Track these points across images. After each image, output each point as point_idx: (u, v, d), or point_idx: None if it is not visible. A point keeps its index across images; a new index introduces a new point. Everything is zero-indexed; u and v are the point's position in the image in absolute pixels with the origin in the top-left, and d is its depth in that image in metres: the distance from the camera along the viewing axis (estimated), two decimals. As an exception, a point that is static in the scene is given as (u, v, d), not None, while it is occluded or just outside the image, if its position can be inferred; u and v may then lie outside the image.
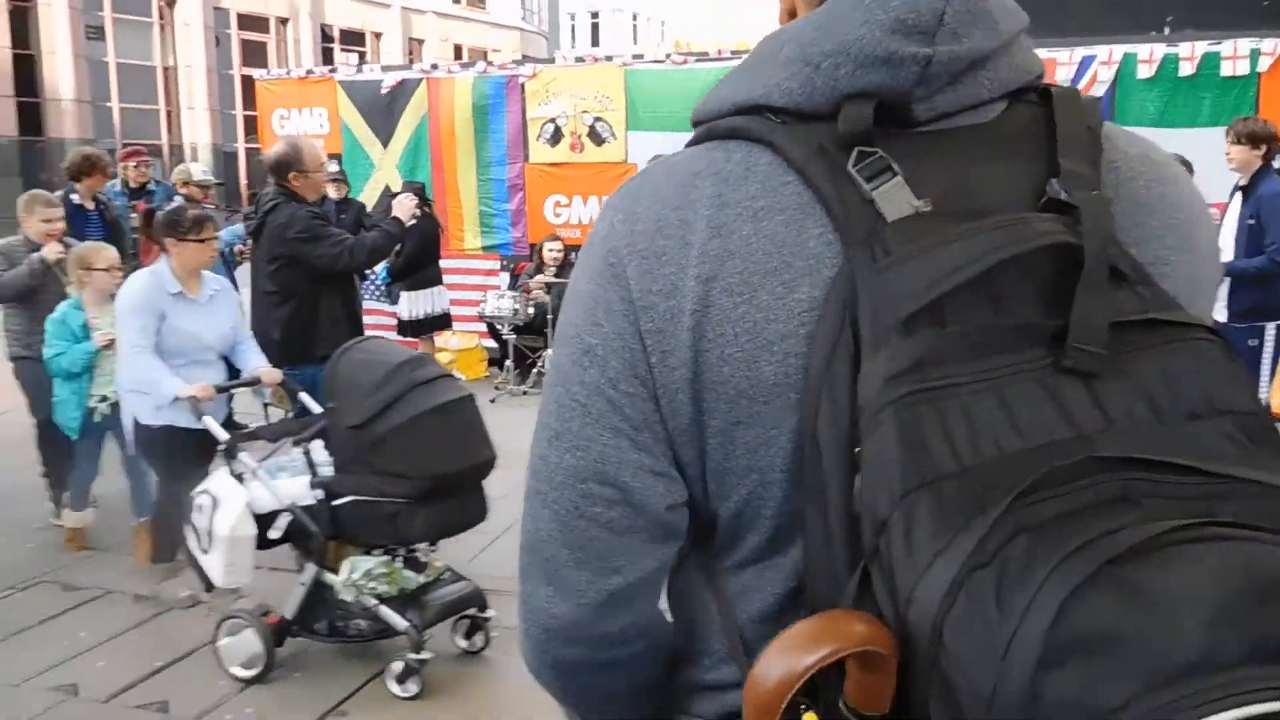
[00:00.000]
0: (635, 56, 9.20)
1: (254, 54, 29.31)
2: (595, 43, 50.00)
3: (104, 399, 4.81)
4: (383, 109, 9.92)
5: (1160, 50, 7.68)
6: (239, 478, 3.82)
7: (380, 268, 8.62)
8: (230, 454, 3.87)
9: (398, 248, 8.34)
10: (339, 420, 3.70)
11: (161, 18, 28.33)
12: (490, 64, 9.71)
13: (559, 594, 0.87)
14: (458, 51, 35.08)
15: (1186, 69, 7.63)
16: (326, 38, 32.33)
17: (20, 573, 4.79)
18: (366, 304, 8.62)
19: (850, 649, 0.63)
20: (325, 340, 4.88)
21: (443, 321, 8.80)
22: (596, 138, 9.30)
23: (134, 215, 7.67)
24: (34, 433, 5.40)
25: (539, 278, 8.83)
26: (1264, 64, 7.49)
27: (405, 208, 5.41)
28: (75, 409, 4.78)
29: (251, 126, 25.20)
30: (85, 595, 4.57)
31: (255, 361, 4.55)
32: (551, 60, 9.71)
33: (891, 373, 0.70)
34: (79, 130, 24.85)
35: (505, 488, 3.33)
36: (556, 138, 9.42)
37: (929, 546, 0.63)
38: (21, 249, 5.29)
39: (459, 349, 9.24)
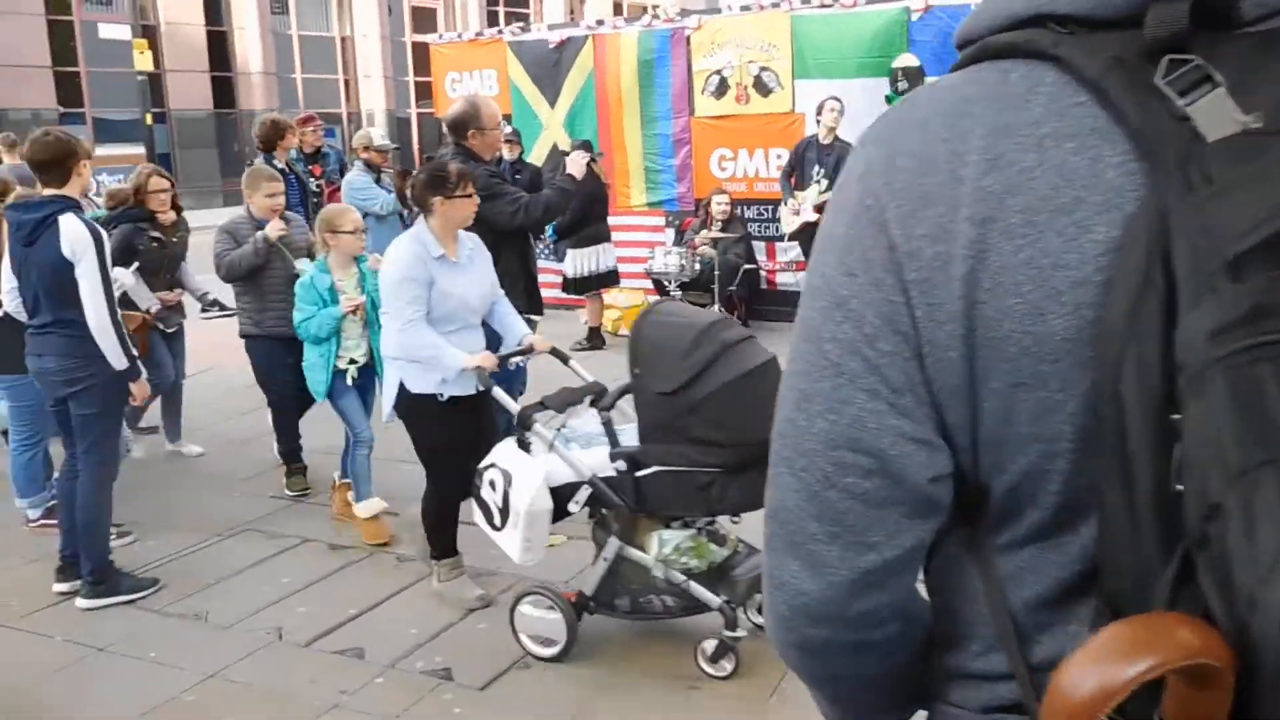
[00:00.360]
0: (803, 1, 8.91)
1: (423, 21, 30.08)
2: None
3: (352, 362, 4.80)
4: (549, 68, 10.00)
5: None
6: (525, 447, 3.67)
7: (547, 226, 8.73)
8: (525, 424, 3.69)
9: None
10: (647, 386, 3.43)
11: (337, -11, 29.41)
12: (656, 17, 9.60)
13: (807, 570, 0.81)
14: (618, 8, 35.05)
15: None
16: (493, 1, 32.89)
17: (229, 521, 5.11)
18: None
19: (1178, 662, 0.54)
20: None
21: (609, 279, 8.83)
22: (763, 88, 9.10)
23: (311, 179, 8.01)
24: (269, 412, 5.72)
25: (705, 233, 8.75)
26: None
27: (578, 164, 5.40)
28: (322, 372, 4.74)
29: (422, 92, 25.97)
30: (286, 543, 4.84)
31: (515, 325, 4.36)
32: (717, 10, 9.53)
33: (1219, 324, 0.59)
34: (267, 101, 26.16)
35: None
36: (722, 89, 9.27)
37: (1278, 537, 0.53)
38: (246, 225, 5.29)
39: (626, 305, 9.28)
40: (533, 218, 5.05)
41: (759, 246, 9.29)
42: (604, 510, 3.67)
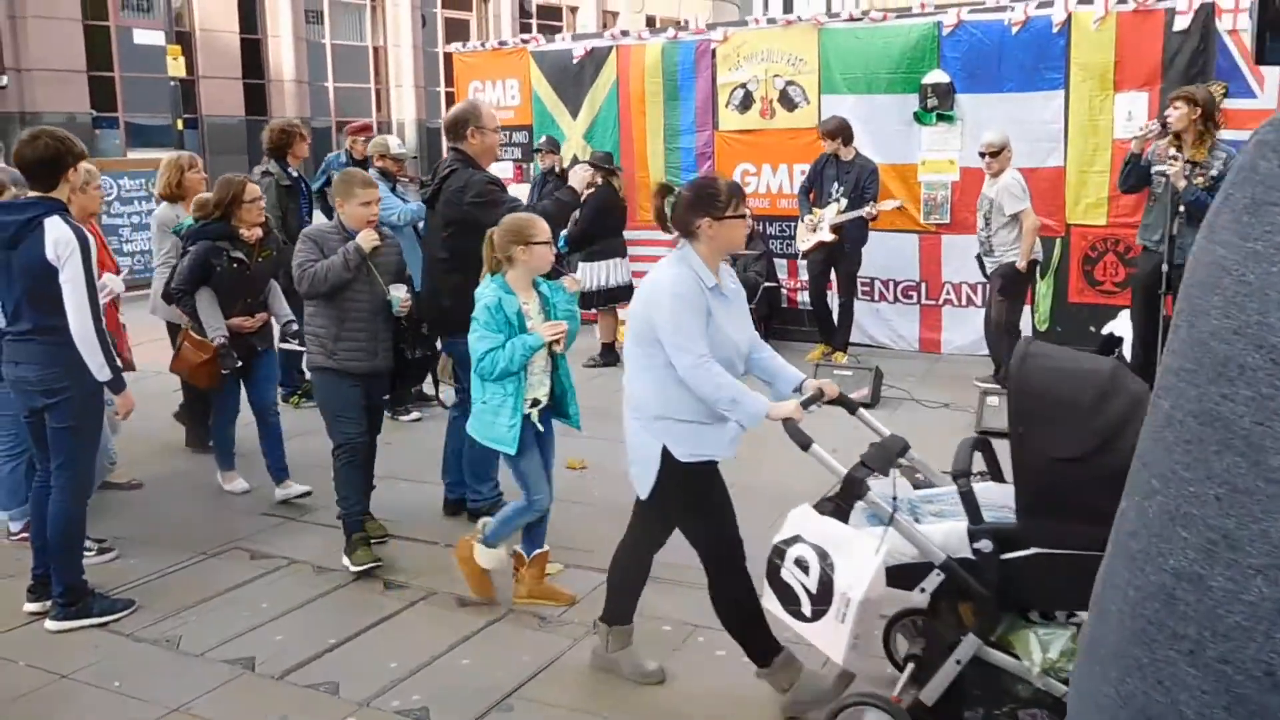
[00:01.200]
0: (830, 15, 8.70)
1: (456, 31, 30.13)
2: (788, 9, 48.82)
3: (535, 403, 4.11)
4: (573, 79, 9.85)
5: None
6: (839, 515, 3.00)
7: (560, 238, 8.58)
8: (857, 493, 3.01)
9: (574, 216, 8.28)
10: (1035, 448, 2.76)
11: (373, 1, 29.54)
12: (682, 29, 9.42)
13: None
14: (650, 22, 35.00)
15: None
16: (525, 13, 32.93)
17: (216, 538, 4.94)
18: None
19: None
20: None
21: (622, 294, 8.64)
22: (788, 102, 8.88)
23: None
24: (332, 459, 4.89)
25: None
26: None
27: (581, 177, 5.25)
28: (510, 416, 3.92)
29: (454, 102, 25.96)
30: (271, 565, 4.66)
31: (786, 369, 3.58)
32: (743, 23, 9.35)
33: None
34: (298, 109, 26.28)
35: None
36: (747, 104, 9.07)
37: None
38: (335, 235, 4.62)
39: (644, 322, 9.06)
40: None
41: (780, 264, 9.07)
42: (944, 599, 3.00)
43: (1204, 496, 0.61)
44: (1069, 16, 7.62)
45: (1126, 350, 7.55)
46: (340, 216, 4.68)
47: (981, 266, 7.31)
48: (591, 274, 8.45)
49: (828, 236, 7.94)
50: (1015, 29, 7.82)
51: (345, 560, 4.47)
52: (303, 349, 5.02)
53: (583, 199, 8.11)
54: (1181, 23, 7.28)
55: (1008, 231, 6.93)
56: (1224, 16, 7.17)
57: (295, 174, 7.25)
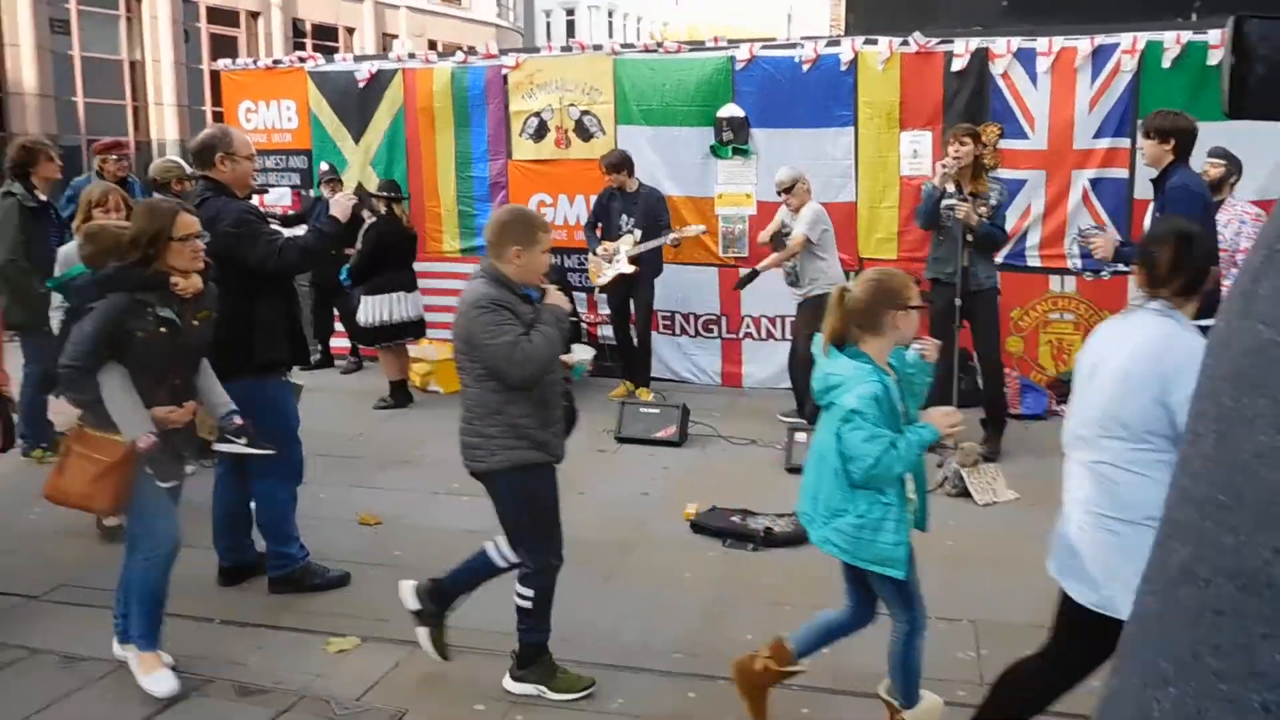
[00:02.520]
0: (624, 45, 8.60)
1: (223, 48, 28.43)
2: (571, 39, 49.31)
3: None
4: (356, 102, 9.30)
5: (1187, 37, 7.17)
6: None
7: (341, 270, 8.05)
8: None
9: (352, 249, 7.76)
10: None
11: (129, 11, 27.47)
12: (470, 54, 9.08)
13: None
14: (431, 46, 34.35)
15: (1215, 57, 7.12)
16: (298, 32, 31.51)
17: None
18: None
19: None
20: (264, 349, 4.40)
21: (411, 329, 8.13)
22: (584, 132, 8.70)
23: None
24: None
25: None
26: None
27: (342, 206, 4.80)
28: (897, 531, 3.07)
29: (221, 121, 24.39)
30: (8, 657, 3.93)
31: None
32: (536, 50, 9.10)
33: None
34: (42, 125, 23.95)
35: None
36: (541, 132, 8.82)
37: None
38: (513, 297, 3.48)
39: (438, 359, 8.61)
40: (286, 261, 4.47)
41: (580, 298, 8.84)
42: None
43: (1244, 702, 0.40)
44: (856, 56, 7.82)
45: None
46: (505, 269, 3.52)
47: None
48: (374, 308, 7.92)
49: (627, 268, 7.78)
50: (806, 66, 7.95)
51: (549, 693, 3.65)
52: (249, 450, 4.04)
53: (364, 229, 7.63)
54: (959, 64, 7.61)
55: (812, 263, 6.96)
56: (996, 61, 7.54)
57: (42, 197, 6.41)
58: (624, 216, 7.89)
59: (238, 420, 4.00)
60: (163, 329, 3.62)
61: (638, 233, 7.82)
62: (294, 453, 4.66)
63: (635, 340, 8.12)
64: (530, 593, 3.62)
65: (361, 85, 9.19)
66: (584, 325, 8.83)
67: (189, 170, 6.87)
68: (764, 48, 8.12)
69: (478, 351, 3.42)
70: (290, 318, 4.65)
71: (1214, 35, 7.10)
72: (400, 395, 8.06)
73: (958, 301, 6.31)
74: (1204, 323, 5.17)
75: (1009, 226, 7.03)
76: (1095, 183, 7.48)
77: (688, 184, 8.26)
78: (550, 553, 3.66)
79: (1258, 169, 6.75)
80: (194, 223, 3.76)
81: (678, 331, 8.66)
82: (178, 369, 3.77)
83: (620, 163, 7.78)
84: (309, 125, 9.50)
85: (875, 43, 7.78)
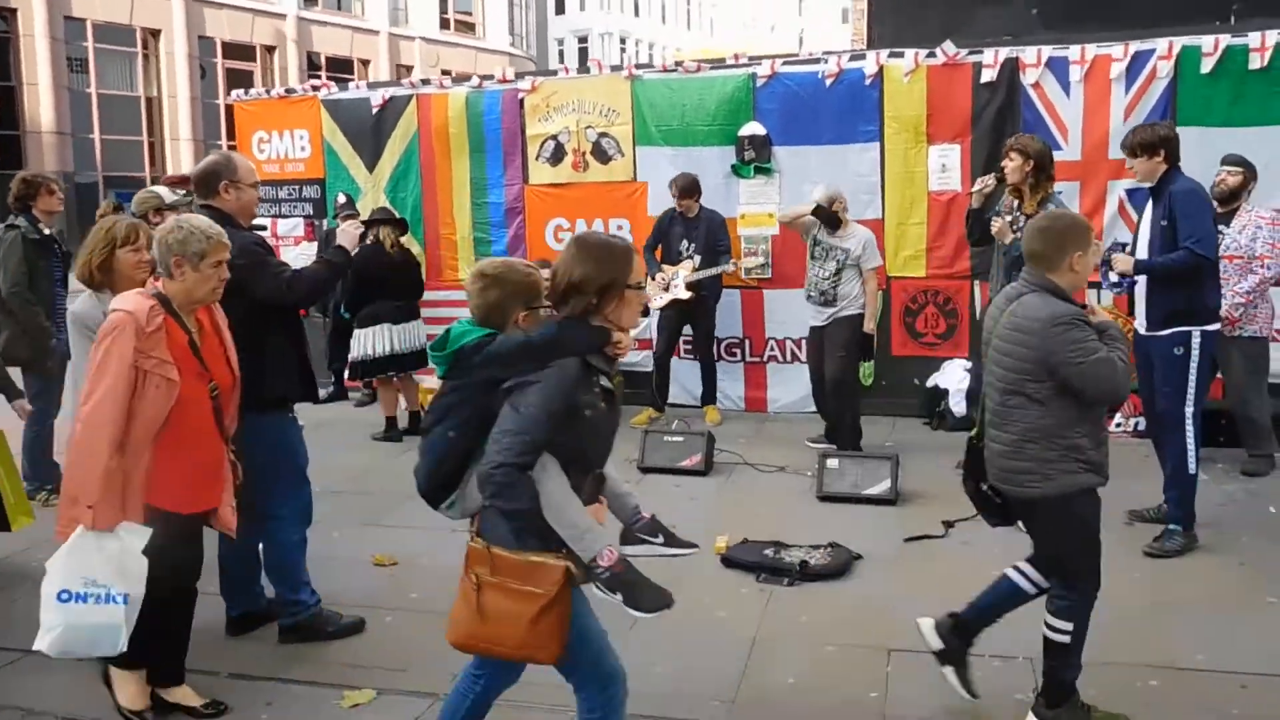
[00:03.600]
0: (640, 66, 8.41)
1: (239, 83, 28.60)
2: (584, 66, 49.44)
3: None
4: (369, 129, 9.15)
5: (1226, 41, 6.91)
6: None
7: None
8: None
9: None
10: None
11: (145, 48, 27.68)
12: (485, 78, 8.91)
13: None
14: (446, 75, 34.53)
15: (1256, 61, 6.86)
16: (313, 65, 31.69)
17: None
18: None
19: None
20: (274, 384, 4.16)
21: (396, 363, 7.78)
22: (602, 155, 8.50)
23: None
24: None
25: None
26: (1347, 54, 6.72)
27: (350, 236, 4.61)
28: None
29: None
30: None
31: None
32: (552, 73, 8.92)
33: None
34: (59, 163, 24.12)
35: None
36: (558, 156, 8.63)
37: None
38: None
39: (455, 388, 8.38)
40: (297, 294, 4.26)
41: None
42: None
43: None
44: (880, 69, 7.60)
45: (953, 402, 7.50)
46: (1059, 280, 3.34)
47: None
48: (361, 341, 7.70)
49: (684, 294, 7.61)
50: (829, 81, 7.74)
51: None
52: (674, 551, 3.04)
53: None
54: (988, 75, 7.37)
55: (853, 285, 6.70)
56: (1027, 71, 7.30)
57: (46, 230, 6.26)
58: (685, 241, 7.73)
59: (645, 514, 3.02)
60: (604, 403, 2.73)
61: (697, 258, 7.64)
62: (303, 493, 4.43)
63: (700, 366, 8.07)
64: (1069, 626, 3.39)
65: (375, 111, 9.03)
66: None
67: (169, 200, 6.74)
68: (785, 64, 7.91)
69: (1060, 370, 3.23)
70: (300, 352, 4.44)
71: (1254, 38, 6.84)
72: (393, 429, 7.80)
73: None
74: (1210, 327, 4.89)
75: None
76: (1131, 193, 7.19)
77: (710, 204, 8.02)
78: (1093, 583, 3.46)
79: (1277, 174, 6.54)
80: (641, 266, 2.82)
81: (696, 357, 8.41)
82: (604, 455, 2.87)
83: (690, 188, 7.66)
84: (322, 154, 9.35)
85: (901, 55, 7.55)
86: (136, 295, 3.39)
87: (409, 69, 34.57)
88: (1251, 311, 6.19)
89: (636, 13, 51.40)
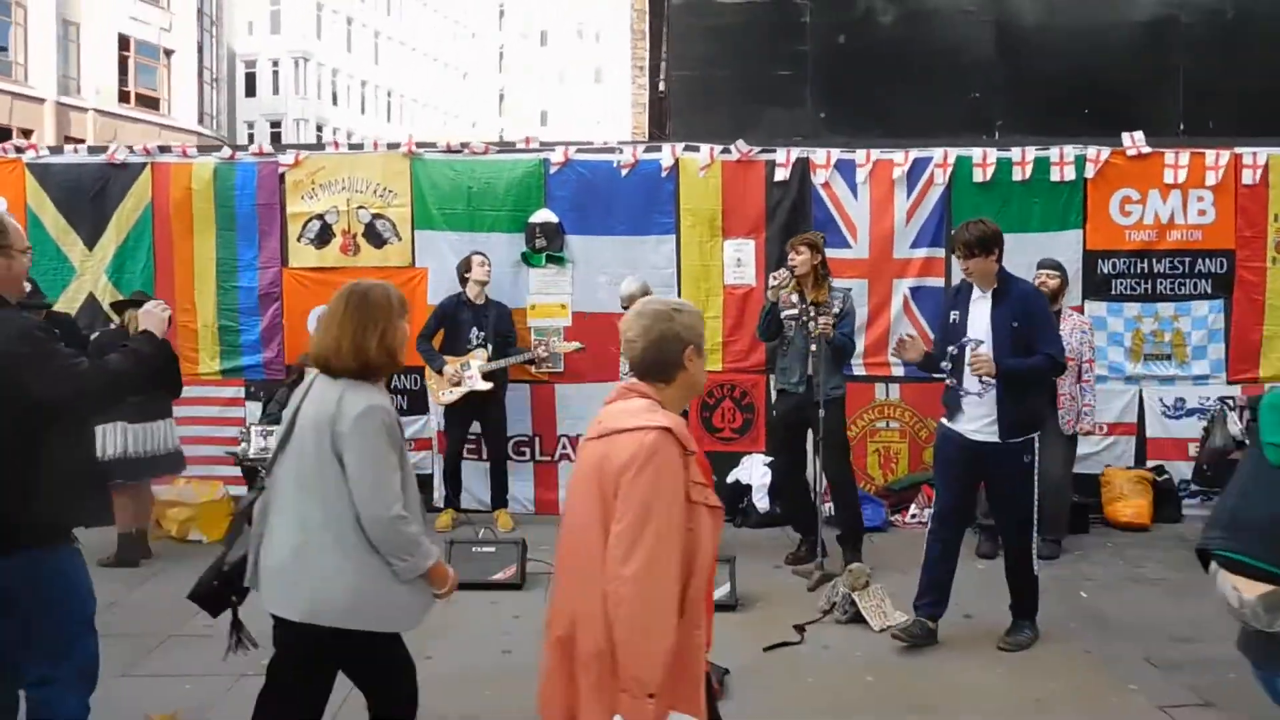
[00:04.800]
0: (421, 145, 7.85)
1: None
2: (277, 143, 47.08)
3: None
4: (88, 200, 7.88)
5: (994, 154, 7.45)
6: None
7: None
8: None
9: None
10: None
11: None
12: (238, 148, 7.98)
13: None
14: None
15: (1019, 173, 7.44)
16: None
17: None
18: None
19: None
20: (53, 508, 3.23)
21: (128, 469, 6.50)
22: (376, 238, 7.80)
23: None
24: None
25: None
26: (1089, 170, 7.44)
27: (158, 319, 3.71)
28: None
29: None
30: None
31: None
32: (320, 146, 8.12)
33: None
34: None
35: None
36: (325, 238, 7.82)
37: None
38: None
39: (198, 501, 7.21)
40: (91, 390, 3.29)
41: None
42: None
43: None
44: (676, 162, 7.53)
45: (756, 498, 7.37)
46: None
47: None
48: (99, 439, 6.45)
49: (482, 385, 7.02)
50: (624, 171, 7.57)
51: None
52: None
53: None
54: (781, 174, 7.50)
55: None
56: (818, 171, 7.49)
57: None
58: (474, 329, 7.16)
59: None
60: None
61: (489, 347, 7.08)
62: (86, 647, 3.44)
63: (490, 465, 7.51)
64: None
65: (98, 175, 7.80)
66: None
67: None
68: (579, 151, 7.66)
69: None
70: (91, 465, 3.49)
71: (1015, 153, 7.42)
72: (126, 550, 6.53)
73: (816, 403, 5.97)
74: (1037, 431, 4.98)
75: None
76: (915, 291, 7.52)
77: (498, 293, 7.53)
78: None
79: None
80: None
81: (484, 456, 7.79)
82: None
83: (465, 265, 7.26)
84: (26, 225, 7.92)
85: (697, 149, 7.53)
86: None
87: (80, 142, 31.36)
88: (1080, 410, 6.52)
89: (335, 101, 50.02)
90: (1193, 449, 7.47)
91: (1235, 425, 6.47)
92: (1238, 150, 7.39)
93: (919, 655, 4.93)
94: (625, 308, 6.55)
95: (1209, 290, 7.50)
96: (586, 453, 2.52)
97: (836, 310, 6.08)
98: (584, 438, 2.60)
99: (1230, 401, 7.04)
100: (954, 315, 5.16)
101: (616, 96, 55.13)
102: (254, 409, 7.69)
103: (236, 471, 7.48)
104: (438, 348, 7.24)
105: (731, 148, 7.50)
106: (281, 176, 7.78)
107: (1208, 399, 7.47)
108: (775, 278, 6.18)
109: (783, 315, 6.19)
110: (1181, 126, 7.56)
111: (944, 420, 5.13)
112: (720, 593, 5.66)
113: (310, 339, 2.94)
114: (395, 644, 3.15)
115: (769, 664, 4.91)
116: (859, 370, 7.51)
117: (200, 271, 7.85)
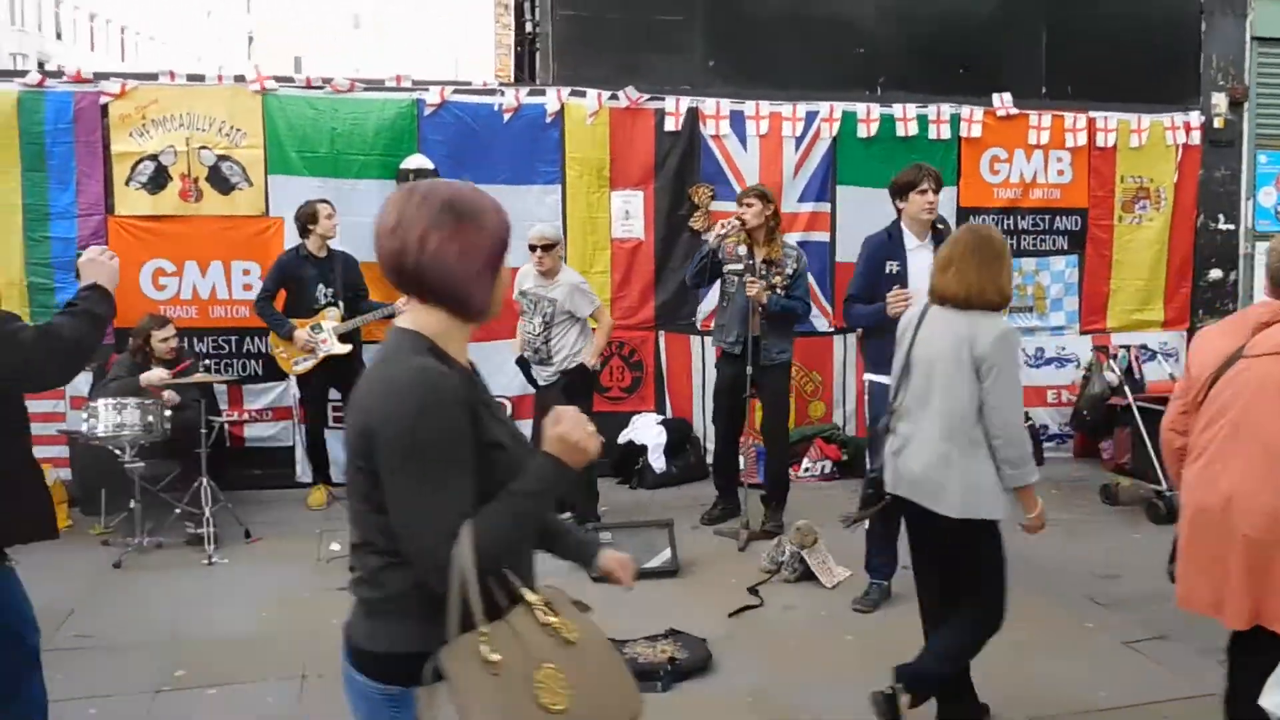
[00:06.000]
0: (277, 79, 6.99)
1: None
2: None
3: None
4: None
5: (878, 110, 7.51)
6: None
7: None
8: None
9: None
10: None
11: None
12: (51, 75, 6.81)
13: None
14: None
15: (902, 130, 7.54)
16: None
17: None
18: None
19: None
20: None
21: None
22: (222, 183, 6.91)
23: None
24: None
25: (158, 373, 6.14)
26: (964, 129, 7.65)
27: (109, 269, 3.07)
28: None
29: None
30: None
31: None
32: (152, 76, 7.01)
33: None
34: None
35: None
36: (160, 181, 6.84)
37: None
38: None
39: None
40: (40, 364, 2.74)
41: (221, 391, 6.90)
42: None
43: None
44: (562, 108, 7.09)
45: (652, 459, 7.15)
46: None
47: (527, 374, 6.15)
48: None
49: (340, 348, 6.29)
50: (507, 116, 7.05)
51: None
52: None
53: None
54: (671, 124, 7.23)
55: (570, 335, 5.99)
56: (708, 122, 7.28)
57: None
58: (321, 285, 6.38)
59: None
60: None
61: (341, 305, 6.35)
62: (31, 686, 2.81)
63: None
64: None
65: None
66: (226, 427, 6.88)
67: None
68: (457, 91, 7.06)
69: None
70: (29, 469, 2.80)
71: (898, 109, 7.51)
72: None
73: (749, 370, 5.79)
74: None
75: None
76: (801, 245, 7.47)
77: (366, 246, 6.79)
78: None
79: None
80: None
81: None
82: None
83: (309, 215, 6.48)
84: None
85: (583, 95, 7.12)
86: None
87: None
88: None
89: (59, 35, 44.75)
90: (1050, 395, 7.92)
91: (1111, 372, 6.86)
92: (1091, 114, 7.81)
93: (887, 612, 4.90)
94: (533, 250, 5.99)
95: (1065, 246, 7.93)
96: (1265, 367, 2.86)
97: (791, 270, 5.85)
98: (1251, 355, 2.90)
99: (1107, 350, 7.45)
100: (892, 266, 5.08)
101: (376, 44, 52.61)
102: (81, 381, 6.60)
103: (64, 452, 6.48)
104: (281, 311, 6.49)
105: (620, 94, 7.15)
106: (104, 109, 6.71)
107: (1063, 349, 7.93)
108: (724, 224, 5.85)
109: (725, 270, 5.90)
110: (1044, 89, 7.87)
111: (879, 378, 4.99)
112: (662, 559, 5.43)
113: (937, 281, 3.44)
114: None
115: (742, 630, 4.73)
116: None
117: (3, 220, 6.67)
